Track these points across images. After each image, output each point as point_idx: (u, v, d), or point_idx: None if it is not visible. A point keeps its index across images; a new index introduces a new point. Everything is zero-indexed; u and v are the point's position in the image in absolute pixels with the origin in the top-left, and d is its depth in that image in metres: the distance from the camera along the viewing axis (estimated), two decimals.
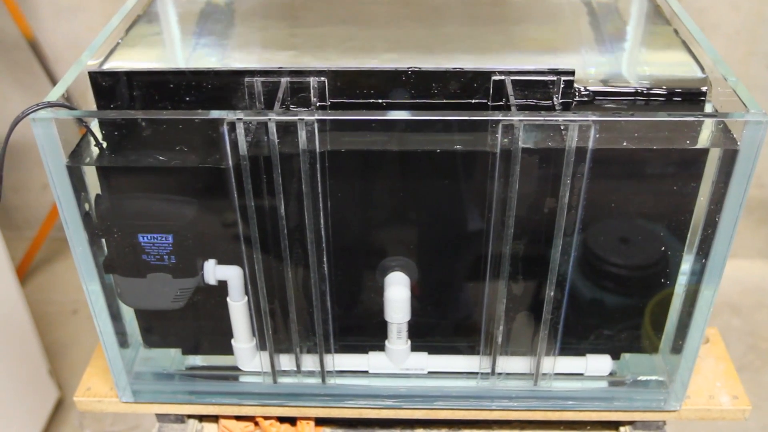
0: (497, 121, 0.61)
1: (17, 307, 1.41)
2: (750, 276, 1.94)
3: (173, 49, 0.74)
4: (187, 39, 0.75)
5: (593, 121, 0.60)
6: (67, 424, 1.58)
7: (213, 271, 0.70)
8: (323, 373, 0.78)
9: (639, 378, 0.78)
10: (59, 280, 1.93)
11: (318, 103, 0.66)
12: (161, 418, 0.82)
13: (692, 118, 0.63)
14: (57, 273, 1.96)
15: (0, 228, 1.35)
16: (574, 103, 0.66)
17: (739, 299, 1.88)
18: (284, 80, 0.65)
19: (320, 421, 0.82)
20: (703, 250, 0.68)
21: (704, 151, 0.64)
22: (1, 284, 1.36)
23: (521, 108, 0.65)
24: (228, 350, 0.77)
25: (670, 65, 0.71)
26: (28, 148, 1.77)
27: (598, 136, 0.61)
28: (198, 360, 0.82)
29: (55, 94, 0.63)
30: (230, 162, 0.63)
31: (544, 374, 0.77)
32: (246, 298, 0.72)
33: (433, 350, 0.78)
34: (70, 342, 1.75)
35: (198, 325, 0.78)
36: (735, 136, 0.62)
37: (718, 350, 0.84)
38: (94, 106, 0.67)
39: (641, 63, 0.72)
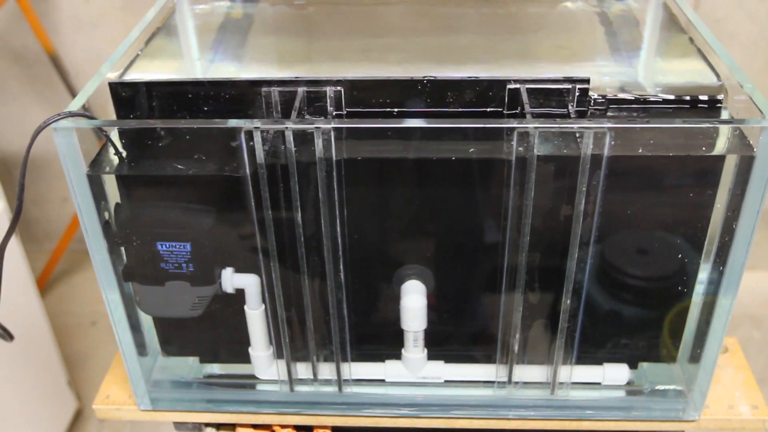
0: (512, 129, 0.61)
1: (37, 318, 1.43)
2: None
3: (191, 61, 0.75)
4: (206, 50, 0.76)
5: (608, 128, 0.60)
6: None
7: (230, 279, 0.71)
8: (340, 382, 0.78)
9: (657, 387, 0.78)
10: (78, 291, 1.95)
11: (334, 113, 0.67)
12: (179, 426, 0.83)
13: (708, 125, 0.63)
14: (76, 285, 1.98)
15: (20, 240, 1.37)
16: (590, 111, 0.66)
17: (759, 311, 1.86)
18: (301, 90, 0.66)
19: (337, 430, 0.82)
20: (721, 258, 0.68)
21: (720, 158, 0.64)
22: (22, 296, 1.37)
23: (536, 116, 0.65)
24: (245, 359, 0.78)
25: (685, 73, 0.71)
26: (49, 161, 1.79)
27: (613, 143, 0.61)
28: (215, 368, 0.83)
29: (75, 104, 0.64)
30: (248, 170, 0.64)
31: (561, 383, 0.76)
32: (263, 306, 0.73)
33: (449, 359, 0.78)
34: (89, 353, 1.76)
35: (215, 333, 0.78)
36: (751, 142, 0.62)
37: (738, 360, 0.84)
38: (114, 118, 0.68)
39: (656, 71, 0.72)
